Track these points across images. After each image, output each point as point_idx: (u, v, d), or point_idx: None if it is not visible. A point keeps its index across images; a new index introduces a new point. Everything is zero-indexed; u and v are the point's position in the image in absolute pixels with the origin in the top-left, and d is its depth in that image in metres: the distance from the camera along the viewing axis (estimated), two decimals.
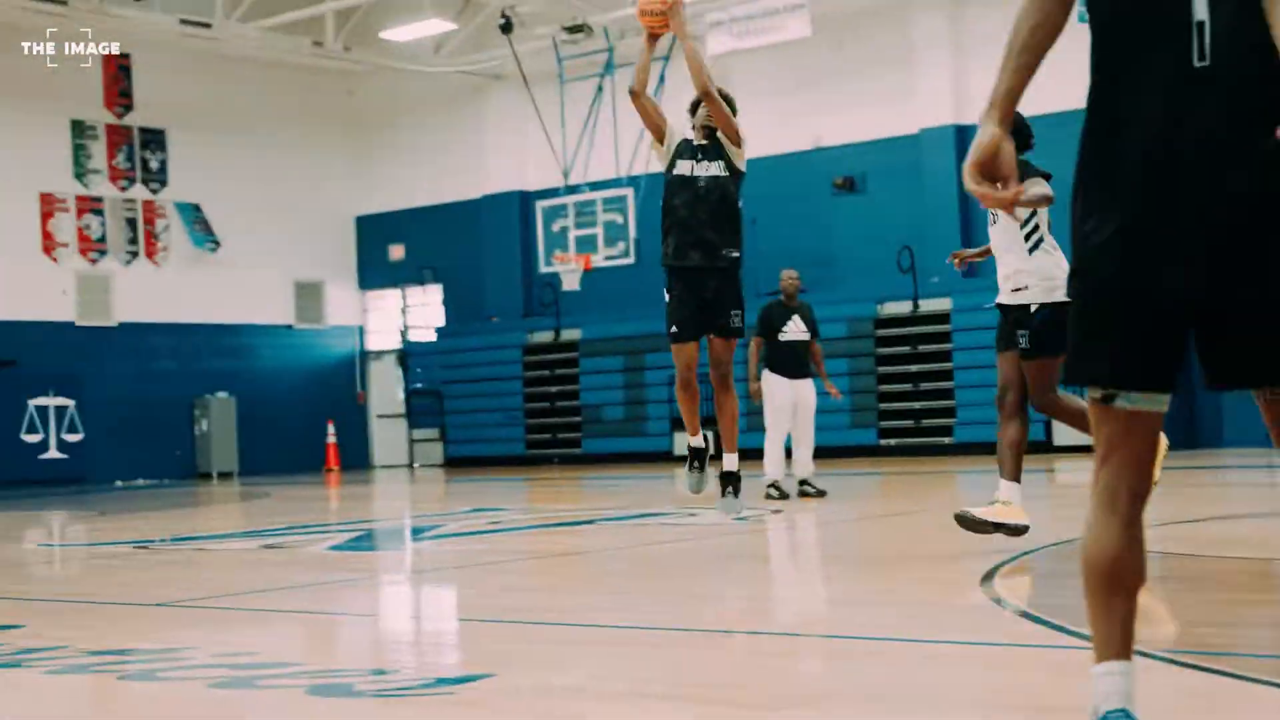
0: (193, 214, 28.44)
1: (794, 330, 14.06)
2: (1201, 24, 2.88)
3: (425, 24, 27.12)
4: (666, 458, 25.27)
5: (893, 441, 23.09)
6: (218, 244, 28.60)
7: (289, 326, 30.31)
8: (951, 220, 24.01)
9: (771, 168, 26.08)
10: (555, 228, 25.05)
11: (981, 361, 22.17)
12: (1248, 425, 21.73)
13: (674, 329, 8.53)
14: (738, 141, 8.84)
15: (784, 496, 13.77)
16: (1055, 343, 7.68)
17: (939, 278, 23.50)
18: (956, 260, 9.00)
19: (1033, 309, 7.91)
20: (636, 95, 8.74)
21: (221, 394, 28.51)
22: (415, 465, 29.51)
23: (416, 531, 12.38)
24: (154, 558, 10.54)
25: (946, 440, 22.61)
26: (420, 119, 30.55)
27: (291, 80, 29.93)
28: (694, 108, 8.95)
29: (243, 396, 28.81)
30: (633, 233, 24.29)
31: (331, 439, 29.54)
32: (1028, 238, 7.89)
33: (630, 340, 25.77)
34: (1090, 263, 3.03)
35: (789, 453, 14.15)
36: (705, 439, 8.83)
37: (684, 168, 8.78)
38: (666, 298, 8.73)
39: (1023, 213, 7.74)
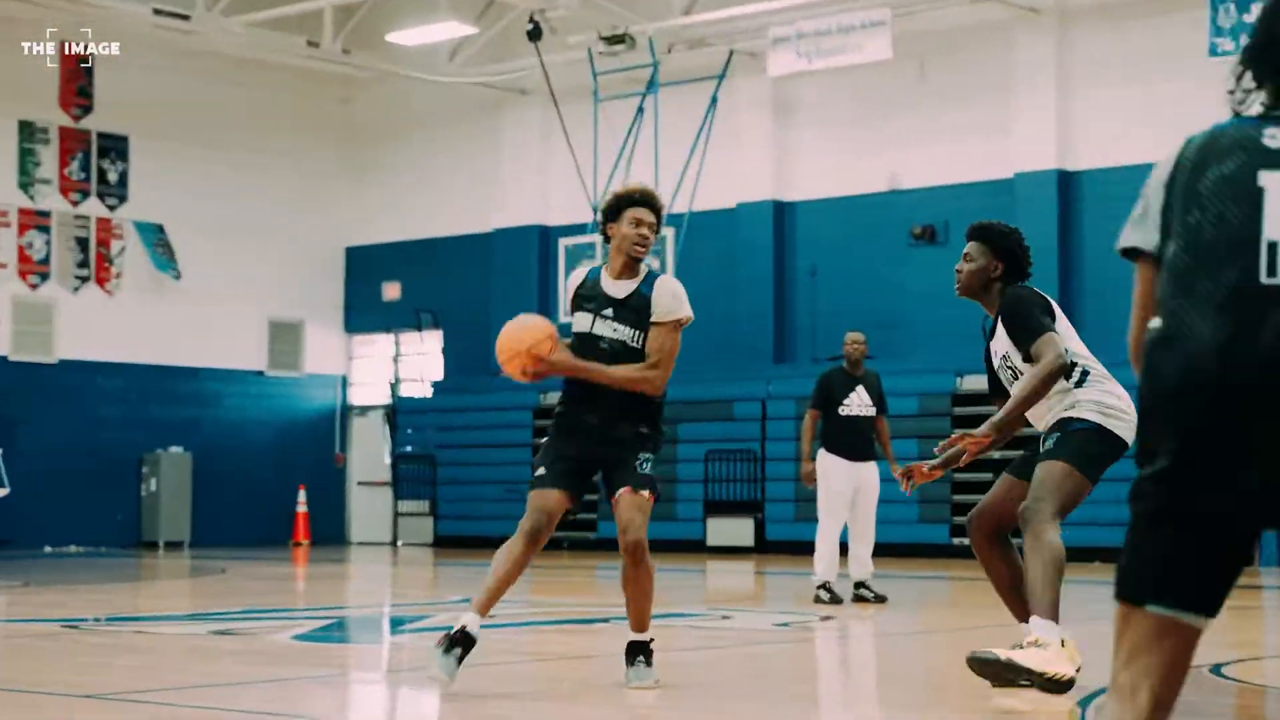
0: (155, 235, 28.56)
1: (857, 403, 14.01)
2: (1274, 244, 3.27)
3: (440, 26, 27.23)
4: (699, 547, 25.18)
5: (968, 541, 22.93)
6: (181, 272, 28.70)
7: (259, 373, 30.37)
8: (1049, 279, 23.95)
9: (838, 211, 26.09)
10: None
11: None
12: None
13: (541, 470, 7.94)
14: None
15: (836, 601, 13.69)
16: (1087, 460, 7.40)
17: None
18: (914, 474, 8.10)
19: (1075, 419, 7.50)
20: None
21: (175, 449, 28.54)
22: (399, 543, 29.47)
23: (397, 623, 12.32)
24: (85, 640, 10.50)
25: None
26: (427, 136, 30.67)
27: (280, 85, 30.11)
28: (615, 209, 8.10)
29: (200, 453, 28.82)
30: None
31: (302, 508, 29.53)
32: (1068, 376, 7.55)
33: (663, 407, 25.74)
34: (1146, 484, 3.31)
35: (844, 549, 14.07)
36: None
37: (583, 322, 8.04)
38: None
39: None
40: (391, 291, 31.22)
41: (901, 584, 16.24)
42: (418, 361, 30.89)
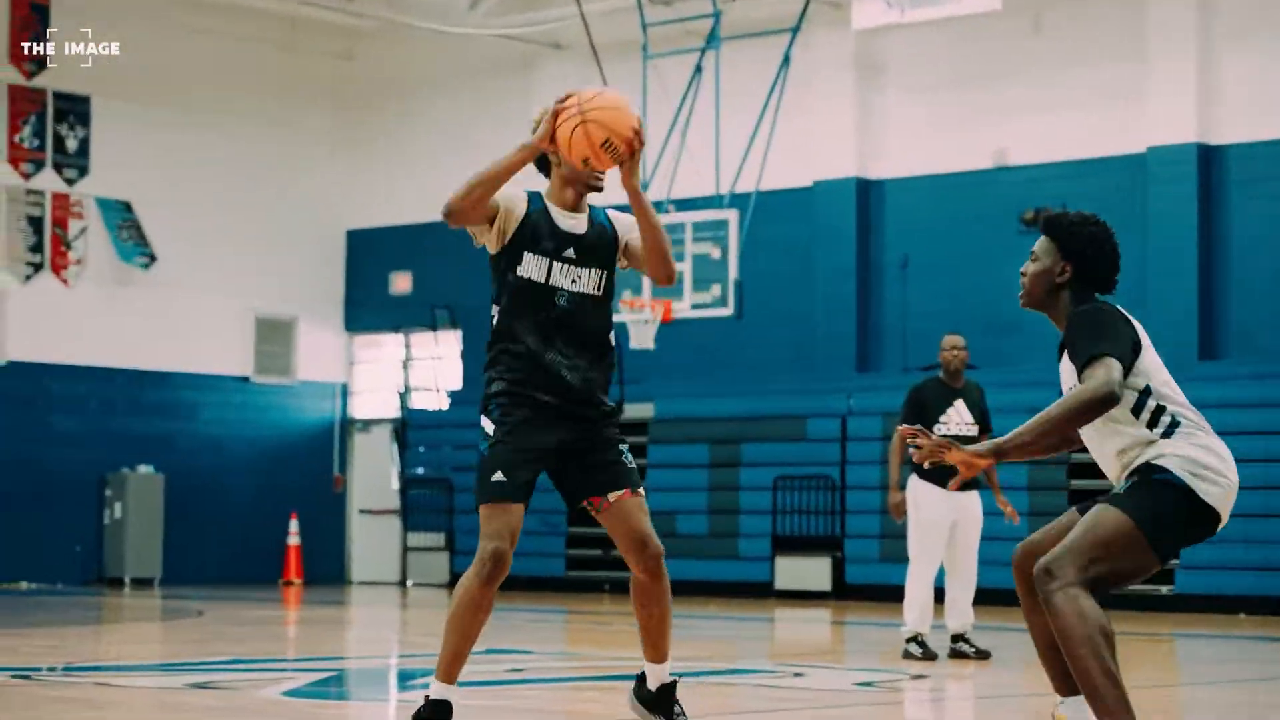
0: (120, 215, 28.68)
1: (957, 420, 13.99)
2: None
3: None
4: (765, 591, 25.16)
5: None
6: (153, 258, 28.82)
7: (245, 379, 30.48)
8: (1188, 270, 23.88)
9: (934, 191, 26.07)
10: None
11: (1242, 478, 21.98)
12: None
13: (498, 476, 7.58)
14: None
15: (930, 657, 13.67)
16: (1158, 522, 6.79)
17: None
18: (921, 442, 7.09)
19: (1160, 469, 6.87)
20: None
21: (144, 468, 28.64)
22: (409, 583, 29.51)
23: (405, 677, 12.33)
24: (39, 693, 10.54)
25: (1164, 590, 22.38)
26: (445, 99, 30.73)
27: (270, 38, 30.21)
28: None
29: (174, 474, 28.92)
30: (733, 272, 24.28)
31: (293, 540, 29.63)
32: (1152, 423, 6.96)
33: (722, 423, 25.71)
34: None
35: (940, 594, 14.04)
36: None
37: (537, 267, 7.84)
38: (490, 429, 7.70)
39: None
40: (401, 284, 31.28)
41: (1008, 637, 16.21)
42: (432, 367, 30.92)
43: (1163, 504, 6.78)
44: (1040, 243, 7.14)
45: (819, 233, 26.94)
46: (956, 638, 13.98)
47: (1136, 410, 6.89)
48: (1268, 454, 21.91)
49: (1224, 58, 24.08)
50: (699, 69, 25.85)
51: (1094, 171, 24.69)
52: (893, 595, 14.64)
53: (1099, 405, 6.67)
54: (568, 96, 7.81)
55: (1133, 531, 6.72)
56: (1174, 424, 6.85)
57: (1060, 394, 7.12)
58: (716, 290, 24.32)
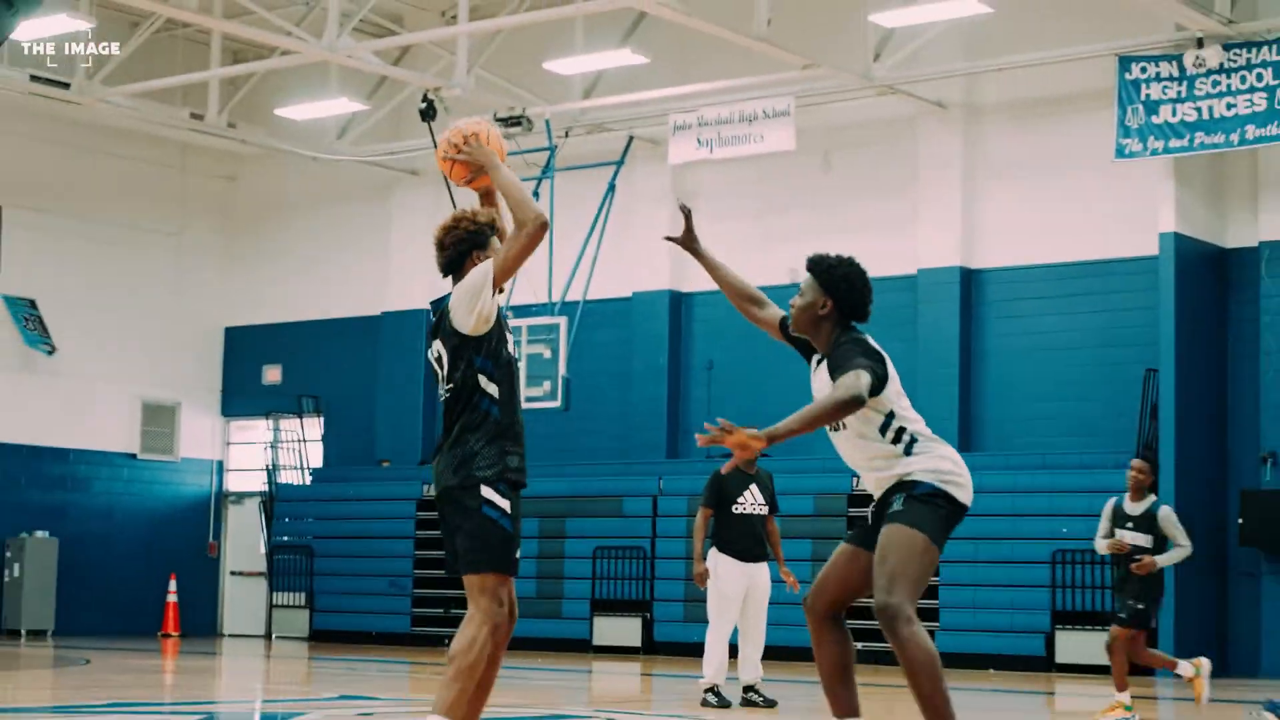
0: (25, 310, 28.31)
1: (752, 502, 14.03)
2: None
3: (329, 103, 27.23)
4: (584, 647, 25.11)
5: (859, 645, 23.01)
6: (54, 348, 28.44)
7: (131, 456, 30.08)
8: (950, 376, 24.17)
9: None
10: None
11: (987, 555, 22.23)
12: None
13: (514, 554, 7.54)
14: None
15: (724, 705, 13.69)
16: (935, 526, 7.05)
17: None
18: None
19: (918, 482, 7.14)
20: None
21: (40, 533, 28.19)
22: (274, 636, 29.19)
23: (268, 719, 12.20)
24: None
25: None
26: (314, 216, 30.64)
27: (162, 159, 30.04)
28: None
29: (67, 538, 28.48)
30: (562, 370, 24.32)
31: (173, 597, 29.20)
32: (895, 440, 7.21)
33: (550, 501, 25.69)
34: None
35: (734, 651, 14.08)
36: None
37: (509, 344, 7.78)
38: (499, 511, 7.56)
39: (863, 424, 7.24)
40: (272, 375, 31.06)
41: (792, 688, 16.26)
42: (297, 448, 30.68)
43: (936, 512, 7.09)
44: (806, 280, 7.44)
45: (636, 337, 27.03)
46: (748, 688, 14.01)
47: (883, 429, 7.17)
48: (1015, 533, 22.23)
49: (984, 192, 24.43)
50: (536, 194, 25.93)
51: (873, 289, 24.91)
52: (694, 651, 14.64)
53: (849, 404, 6.83)
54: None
55: (925, 542, 7.00)
56: (913, 440, 7.15)
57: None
58: (547, 386, 24.33)
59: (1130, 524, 13.70)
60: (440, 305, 7.72)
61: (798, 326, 7.49)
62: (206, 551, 30.98)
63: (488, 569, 7.38)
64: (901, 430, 7.20)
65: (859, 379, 6.94)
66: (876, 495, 7.32)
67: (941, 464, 7.18)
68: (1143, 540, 13.61)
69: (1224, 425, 22.78)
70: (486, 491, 7.43)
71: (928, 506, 7.10)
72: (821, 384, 7.27)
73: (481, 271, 7.55)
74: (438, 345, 7.65)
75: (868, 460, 7.26)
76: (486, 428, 7.54)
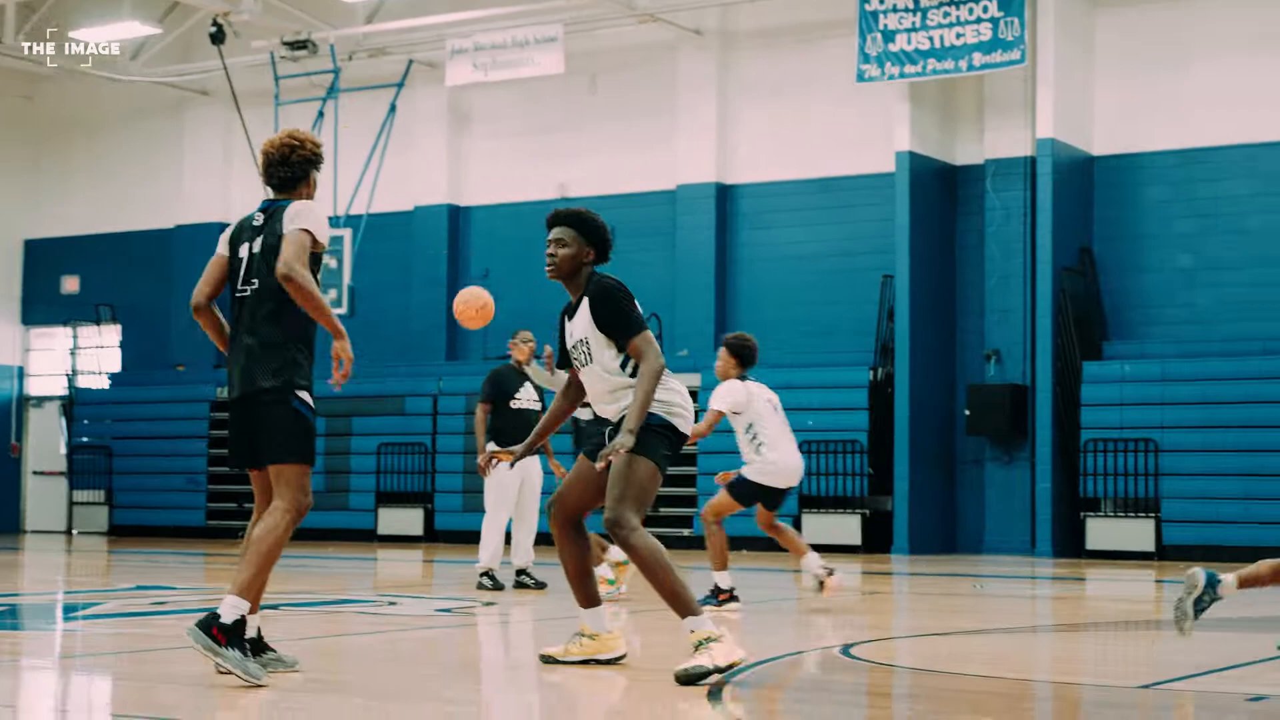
0: None
1: (527, 398, 14.08)
2: None
3: (123, 26, 26.55)
4: (370, 536, 25.06)
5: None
6: None
7: None
8: (707, 286, 24.39)
9: (510, 216, 26.23)
10: None
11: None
12: (1010, 530, 22.46)
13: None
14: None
15: (498, 588, 13.75)
16: (662, 456, 7.60)
17: (688, 350, 23.80)
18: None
19: (652, 417, 7.58)
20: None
21: None
22: (75, 532, 28.71)
23: (68, 609, 12.02)
24: None
25: (685, 531, 22.82)
26: (110, 134, 29.97)
27: None
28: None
29: None
30: (347, 278, 24.12)
31: None
32: (633, 374, 7.64)
33: (337, 400, 25.50)
34: None
35: (508, 538, 14.13)
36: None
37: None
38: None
39: None
40: (71, 285, 30.44)
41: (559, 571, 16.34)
42: (96, 355, 30.12)
43: (662, 442, 7.60)
44: (565, 231, 7.85)
45: (418, 248, 26.89)
46: (520, 572, 14.08)
47: (623, 365, 7.63)
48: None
49: (738, 114, 24.62)
50: (321, 114, 25.61)
51: (636, 204, 25.05)
52: (472, 539, 14.69)
53: (662, 372, 7.47)
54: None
55: (653, 469, 7.56)
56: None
57: (560, 342, 7.99)
58: (334, 294, 24.10)
59: None
60: (273, 207, 7.58)
61: (560, 274, 7.90)
62: (9, 453, 30.34)
63: (299, 459, 7.41)
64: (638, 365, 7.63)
65: (653, 344, 7.57)
66: (614, 420, 7.76)
67: (672, 396, 7.67)
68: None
69: (953, 326, 23.26)
70: (303, 394, 7.47)
71: (656, 436, 7.57)
72: (582, 326, 7.73)
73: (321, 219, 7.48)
74: (254, 245, 7.51)
75: (609, 392, 7.69)
76: (300, 333, 7.48)
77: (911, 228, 22.51)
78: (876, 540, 22.38)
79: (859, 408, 22.73)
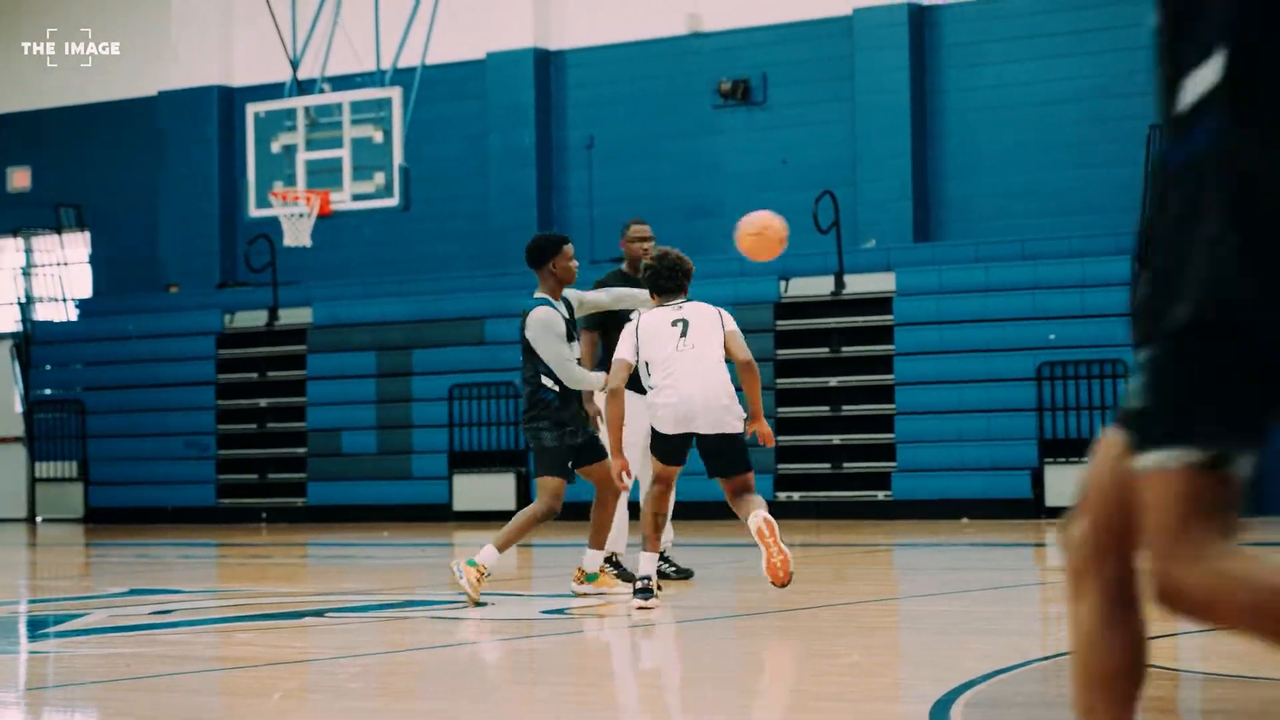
0: None
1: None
2: None
3: None
4: (444, 512, 25.17)
5: (795, 496, 23.23)
6: None
7: None
8: (901, 143, 24.27)
9: (622, 63, 26.21)
10: (276, 146, 24.84)
11: (938, 374, 22.40)
12: None
13: None
14: None
15: (626, 578, 13.80)
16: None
17: (875, 241, 23.70)
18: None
19: None
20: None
21: None
22: (39, 519, 29.13)
23: (37, 625, 12.21)
24: None
25: (881, 495, 22.74)
26: None
27: None
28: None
29: None
30: (397, 158, 24.19)
31: None
32: None
33: (390, 328, 25.64)
34: None
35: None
36: None
37: None
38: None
39: None
40: (20, 179, 30.79)
41: (715, 553, 16.38)
42: (57, 274, 30.45)
43: None
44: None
45: (493, 111, 26.93)
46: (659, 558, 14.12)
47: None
48: (987, 344, 22.33)
49: None
50: None
51: (797, 36, 24.92)
52: (581, 514, 14.67)
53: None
54: None
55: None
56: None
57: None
58: (380, 179, 24.14)
59: None
60: None
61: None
62: None
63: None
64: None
65: None
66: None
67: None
68: None
69: None
70: None
71: None
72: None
73: None
74: None
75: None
76: None
77: None
78: None
79: (1119, 313, 22.56)
